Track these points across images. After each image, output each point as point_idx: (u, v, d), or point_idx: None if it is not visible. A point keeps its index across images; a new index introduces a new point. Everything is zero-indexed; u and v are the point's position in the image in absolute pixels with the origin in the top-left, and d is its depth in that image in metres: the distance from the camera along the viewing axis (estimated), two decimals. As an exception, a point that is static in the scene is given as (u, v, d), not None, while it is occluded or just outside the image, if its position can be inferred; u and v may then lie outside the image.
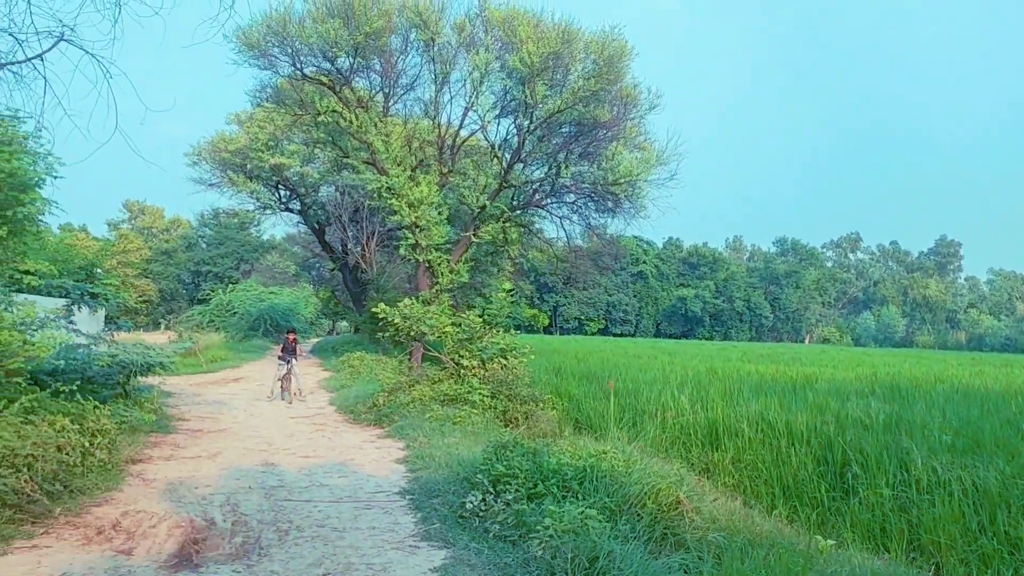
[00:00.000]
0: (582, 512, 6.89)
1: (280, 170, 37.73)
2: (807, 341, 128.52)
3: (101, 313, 19.38)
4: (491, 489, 8.16)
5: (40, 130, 8.36)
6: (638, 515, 7.91)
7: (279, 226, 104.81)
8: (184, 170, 40.49)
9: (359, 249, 39.89)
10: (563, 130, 27.96)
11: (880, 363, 35.86)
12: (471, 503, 8.00)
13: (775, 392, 17.02)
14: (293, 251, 74.82)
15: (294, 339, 21.54)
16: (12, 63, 8.16)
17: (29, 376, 8.65)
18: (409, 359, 27.00)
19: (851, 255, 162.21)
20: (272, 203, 40.71)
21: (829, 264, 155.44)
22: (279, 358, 20.98)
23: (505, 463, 8.44)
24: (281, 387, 20.42)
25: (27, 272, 9.19)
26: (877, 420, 13.03)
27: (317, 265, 71.24)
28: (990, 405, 15.01)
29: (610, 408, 14.76)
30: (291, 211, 42.95)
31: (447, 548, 7.24)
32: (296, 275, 76.28)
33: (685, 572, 6.60)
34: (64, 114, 8.85)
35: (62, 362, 9.54)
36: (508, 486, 8.06)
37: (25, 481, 7.30)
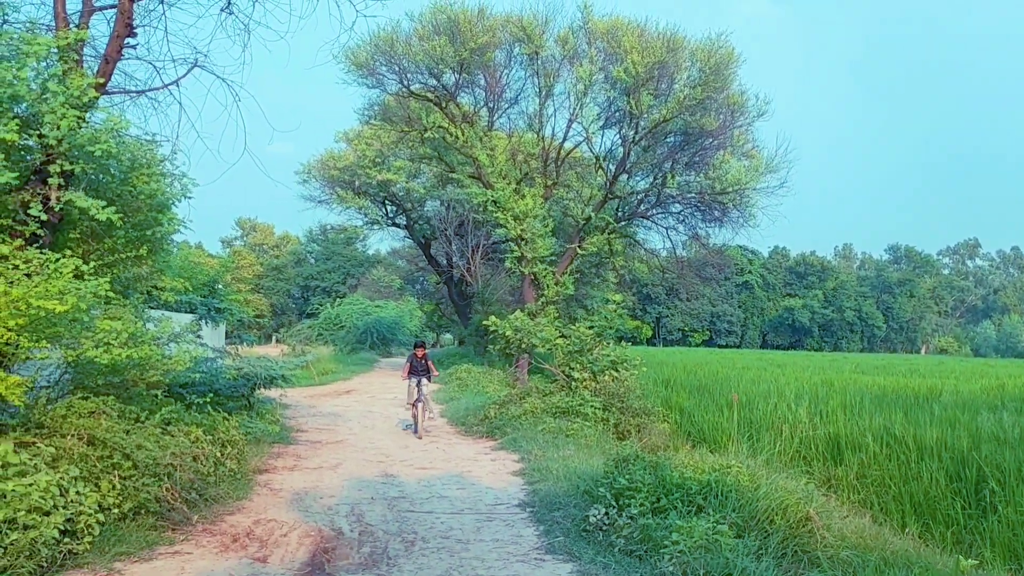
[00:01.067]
0: (713, 527, 6.76)
1: (387, 186, 38.59)
2: (923, 352, 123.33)
3: (222, 328, 20.15)
4: (614, 503, 8.08)
5: (175, 152, 8.83)
6: (766, 531, 7.69)
7: (384, 241, 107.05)
8: (295, 188, 41.89)
9: (464, 262, 40.36)
10: (668, 139, 27.72)
11: (1004, 374, 34.07)
12: (595, 516, 7.94)
13: (898, 405, 16.37)
14: (397, 265, 76.28)
15: (424, 355, 16.68)
16: (151, 89, 8.65)
17: (166, 388, 9.07)
18: (515, 371, 27.15)
19: (969, 262, 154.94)
20: (379, 218, 41.66)
21: (945, 271, 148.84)
22: (407, 378, 16.39)
23: (627, 476, 8.35)
24: (412, 416, 16.30)
25: (163, 289, 9.69)
26: (1013, 434, 12.38)
27: (421, 279, 72.40)
28: None
29: (733, 421, 14.45)
30: (397, 226, 43.84)
31: (572, 561, 7.21)
32: (401, 289, 77.66)
33: (822, 591, 6.37)
34: (197, 136, 9.33)
35: (198, 375, 9.98)
36: (632, 500, 7.97)
37: (167, 490, 7.62)
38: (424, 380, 16.19)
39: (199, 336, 11.46)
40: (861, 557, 7.73)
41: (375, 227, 43.29)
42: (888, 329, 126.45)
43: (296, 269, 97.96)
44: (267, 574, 6.66)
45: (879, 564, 7.47)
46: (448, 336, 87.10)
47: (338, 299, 71.70)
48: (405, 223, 43.30)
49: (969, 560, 7.10)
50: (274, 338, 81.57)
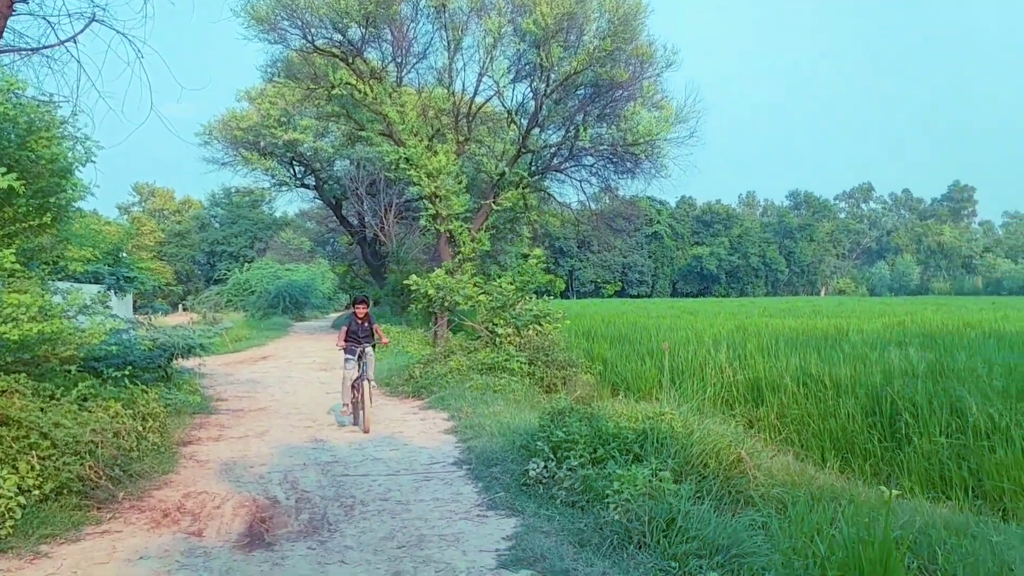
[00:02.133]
0: (654, 474, 6.85)
1: (294, 146, 37.55)
2: (823, 293, 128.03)
3: (129, 298, 19.39)
4: (552, 456, 8.12)
5: (75, 114, 8.31)
6: (702, 475, 7.87)
7: (293, 203, 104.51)
8: (195, 150, 40.37)
9: (377, 222, 39.77)
10: (580, 92, 27.67)
11: (901, 312, 35.66)
12: (534, 470, 7.96)
13: (810, 345, 16.92)
14: (307, 227, 74.86)
15: (367, 314, 12.85)
16: (46, 47, 8.08)
17: (80, 363, 8.65)
18: (435, 330, 27.02)
19: (864, 205, 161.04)
20: (287, 179, 40.57)
21: (842, 215, 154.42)
22: (344, 349, 12.60)
23: (564, 429, 8.39)
24: (351, 402, 12.33)
25: (70, 259, 9.17)
26: (920, 368, 12.94)
27: (332, 240, 71.24)
28: (1030, 349, 14.88)
29: (665, 369, 14.67)
30: (306, 187, 42.82)
31: (515, 516, 7.22)
32: (311, 251, 76.32)
33: (762, 528, 6.54)
34: (98, 96, 8.80)
35: (114, 348, 9.55)
36: (570, 452, 8.02)
37: (89, 468, 7.31)
38: (368, 349, 12.42)
39: (108, 307, 10.95)
40: (790, 494, 7.99)
41: (283, 188, 42.14)
42: (790, 273, 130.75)
43: (200, 234, 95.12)
44: (204, 548, 6.46)
45: (807, 500, 7.71)
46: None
47: (247, 264, 70.06)
48: (314, 184, 42.33)
49: (892, 491, 7.39)
50: (181, 306, 79.27)
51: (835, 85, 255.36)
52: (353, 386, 12.17)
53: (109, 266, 13.85)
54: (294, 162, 40.80)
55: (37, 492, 6.73)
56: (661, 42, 27.09)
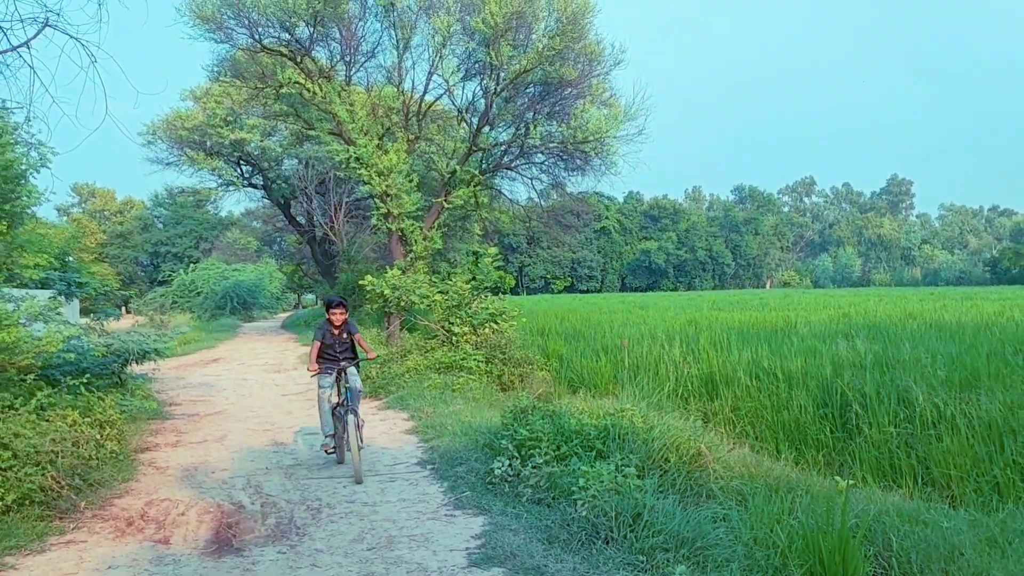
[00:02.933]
0: (618, 469, 7.00)
1: (241, 145, 37.07)
2: (768, 286, 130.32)
3: (76, 303, 19.03)
4: (516, 454, 8.23)
5: (29, 120, 8.15)
6: (663, 469, 8.05)
7: (239, 203, 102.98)
8: (137, 150, 39.61)
9: (327, 221, 39.47)
10: (529, 90, 27.78)
11: (845, 303, 36.52)
12: (499, 468, 8.06)
13: (761, 339, 17.28)
14: (253, 226, 73.87)
15: (345, 321, 9.90)
16: (-2, 52, 7.90)
17: (38, 371, 8.51)
18: (388, 330, 26.93)
19: (806, 199, 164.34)
20: (235, 179, 40.02)
21: (786, 209, 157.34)
22: (317, 373, 9.65)
23: (528, 427, 8.50)
24: (335, 432, 9.59)
25: (25, 265, 9.00)
26: (867, 360, 13.33)
27: (279, 239, 70.54)
28: (969, 339, 15.39)
29: (624, 366, 14.86)
30: (254, 187, 42.30)
31: (483, 515, 7.31)
32: (258, 251, 75.34)
33: (724, 520, 6.72)
34: (52, 102, 8.64)
35: (72, 355, 9.40)
36: (535, 449, 8.13)
37: (51, 477, 7.21)
38: (351, 370, 9.56)
39: (60, 314, 10.76)
40: (749, 486, 8.20)
41: (231, 188, 41.53)
42: (736, 266, 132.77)
43: (143, 235, 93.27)
44: (173, 555, 6.43)
45: (765, 491, 7.92)
46: (310, 297, 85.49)
47: (192, 264, 69.02)
48: (262, 183, 41.84)
49: (846, 480, 7.64)
50: (124, 309, 77.68)
51: (780, 79, 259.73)
52: (334, 414, 9.41)
53: (57, 271, 13.58)
54: (241, 161, 40.29)
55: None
56: (609, 40, 27.43)
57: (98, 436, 8.96)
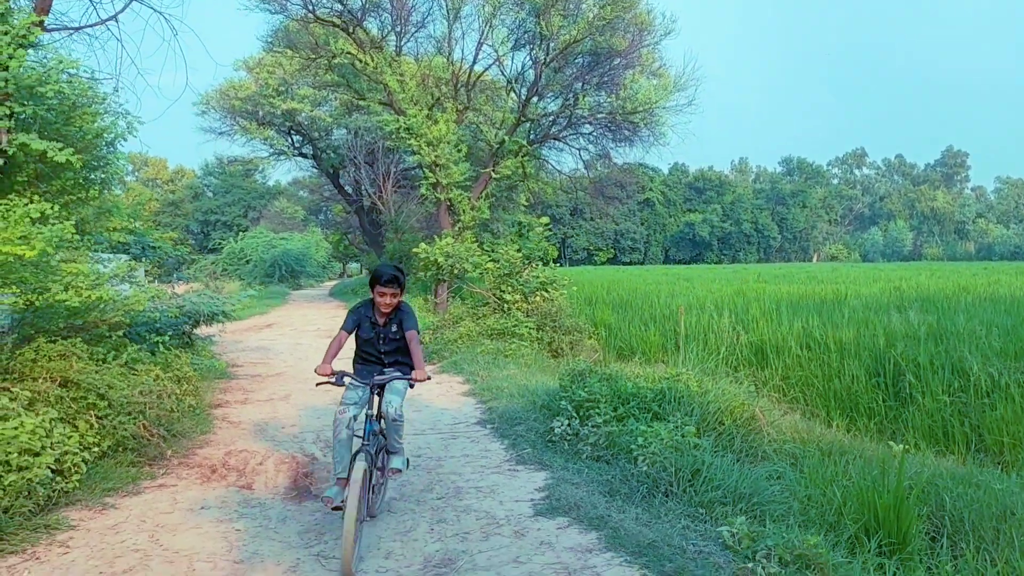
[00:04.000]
0: (677, 429, 7.28)
1: (292, 115, 37.69)
2: (815, 260, 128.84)
3: (141, 268, 19.71)
4: (575, 414, 8.55)
5: (117, 90, 8.61)
6: (718, 431, 8.32)
7: (288, 172, 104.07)
8: (189, 119, 40.50)
9: (375, 190, 39.98)
10: (578, 60, 27.84)
11: (895, 277, 36.17)
12: (559, 427, 8.39)
13: (811, 310, 17.37)
14: (300, 196, 74.78)
15: (397, 303, 6.25)
16: (89, 25, 8.34)
17: (127, 328, 9.01)
18: (435, 298, 27.37)
19: (857, 171, 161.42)
20: (286, 148, 40.75)
21: (835, 181, 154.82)
22: (338, 378, 5.95)
23: (586, 389, 8.82)
24: (348, 476, 5.52)
25: (114, 229, 9.52)
26: (921, 331, 13.40)
27: (325, 209, 71.34)
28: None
29: (681, 332, 15.07)
30: (304, 156, 43.00)
31: (545, 470, 7.65)
32: (304, 220, 76.30)
33: (778, 479, 7.00)
34: (137, 72, 9.07)
35: (156, 314, 9.92)
36: (593, 410, 8.44)
37: (143, 426, 7.69)
38: (397, 386, 6.26)
39: (136, 276, 11.27)
40: (801, 449, 8.46)
41: (281, 158, 42.35)
42: (782, 239, 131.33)
43: (194, 204, 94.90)
44: (258, 500, 6.88)
45: (818, 454, 8.18)
46: (354, 266, 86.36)
47: (241, 233, 70.11)
48: (312, 153, 42.50)
49: (899, 445, 7.85)
50: (175, 276, 79.32)
51: (828, 49, 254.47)
52: (355, 458, 5.59)
53: (132, 235, 14.15)
54: (292, 131, 40.93)
55: (96, 449, 7.12)
56: (660, 9, 27.35)
57: (178, 391, 9.44)
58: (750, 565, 5.07)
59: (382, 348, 6.33)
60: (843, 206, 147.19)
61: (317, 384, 6.14)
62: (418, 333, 6.35)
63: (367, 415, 6.06)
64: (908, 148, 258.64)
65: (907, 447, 8.97)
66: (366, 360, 6.43)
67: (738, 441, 8.17)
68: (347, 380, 6.04)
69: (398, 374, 6.12)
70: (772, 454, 8.09)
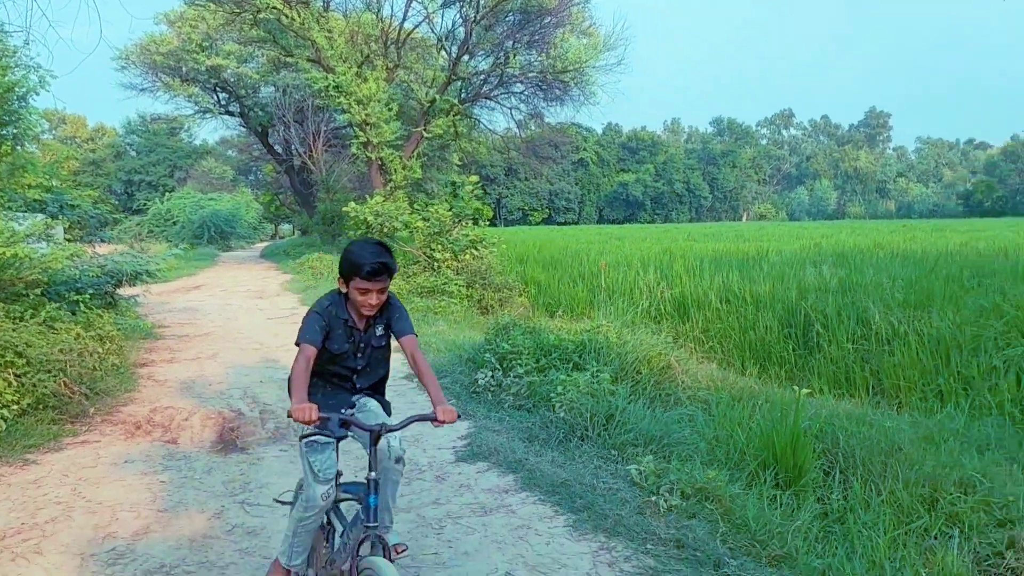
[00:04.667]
0: (594, 377, 7.59)
1: (217, 72, 36.84)
2: (745, 219, 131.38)
3: (60, 227, 19.27)
4: (499, 366, 8.80)
5: (27, 43, 8.40)
6: (635, 379, 8.65)
7: (215, 131, 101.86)
8: (108, 75, 39.24)
9: (305, 150, 39.46)
10: (509, 18, 27.86)
11: (818, 235, 37.23)
12: (483, 379, 8.65)
13: (733, 266, 17.91)
14: (228, 156, 73.25)
15: (385, 302, 3.96)
16: (-5, -24, 8.12)
17: (45, 287, 8.92)
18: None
19: (784, 132, 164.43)
20: (211, 106, 39.83)
21: (764, 142, 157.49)
22: (303, 417, 3.36)
23: (509, 341, 9.07)
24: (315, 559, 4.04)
25: (28, 186, 9.34)
26: (832, 284, 14.00)
27: (255, 169, 70.11)
28: (931, 265, 16.10)
29: (602, 285, 15.40)
30: (231, 114, 42.10)
31: (468, 419, 7.90)
32: (234, 180, 74.83)
33: (689, 422, 7.37)
34: (48, 25, 8.86)
35: (76, 272, 9.81)
36: (516, 361, 8.70)
37: (63, 384, 7.69)
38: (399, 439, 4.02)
39: (52, 234, 11.12)
40: (714, 395, 8.84)
41: (207, 116, 41.34)
42: (713, 199, 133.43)
43: (116, 163, 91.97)
44: (183, 453, 6.98)
45: (728, 399, 8.57)
46: (286, 227, 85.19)
47: (167, 193, 68.48)
48: (239, 111, 41.64)
49: (804, 389, 8.29)
50: (99, 237, 77.16)
51: (758, 10, 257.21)
52: (332, 529, 4.08)
53: (49, 192, 13.81)
54: (217, 88, 40.02)
55: (16, 407, 7.12)
56: (589, -32, 27.40)
57: (100, 350, 9.41)
58: (654, 498, 5.41)
59: (359, 364, 4.09)
60: (771, 166, 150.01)
61: (302, 437, 3.85)
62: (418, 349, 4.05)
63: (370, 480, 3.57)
64: (833, 109, 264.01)
65: (811, 391, 9.48)
66: (336, 384, 4.14)
67: (653, 388, 8.52)
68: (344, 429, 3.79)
69: (416, 416, 3.76)
70: (685, 400, 8.46)
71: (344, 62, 26.53)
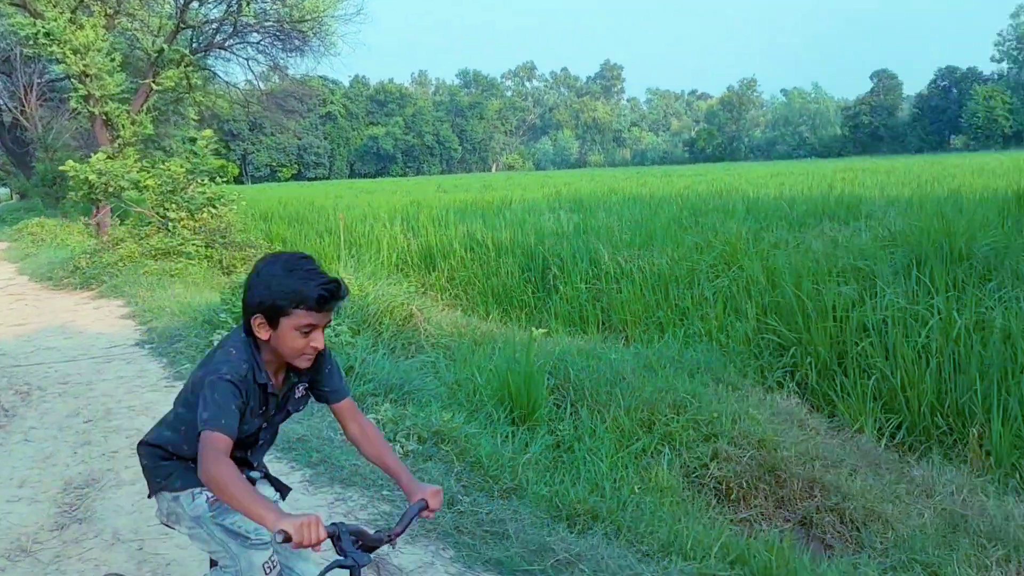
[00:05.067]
0: (333, 329, 7.54)
1: (-100, 16, 32.11)
2: (493, 169, 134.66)
3: None
4: (235, 325, 8.52)
5: None
6: (378, 330, 8.72)
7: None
8: None
9: (16, 104, 35.57)
10: (240, -37, 26.39)
11: (561, 183, 39.07)
12: (218, 339, 8.32)
13: (477, 215, 18.40)
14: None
15: (323, 355, 2.61)
16: None
17: None
18: (96, 220, 25.27)
19: (528, 84, 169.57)
20: None
21: (509, 94, 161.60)
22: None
23: (246, 299, 8.79)
24: None
25: None
26: (568, 228, 14.78)
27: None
28: (655, 208, 17.41)
29: (340, 240, 15.18)
30: (-79, 65, 36.96)
31: (203, 382, 7.61)
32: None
33: (432, 368, 7.55)
34: None
35: None
36: (252, 319, 8.45)
37: None
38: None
39: None
40: (457, 341, 9.11)
41: None
42: (463, 151, 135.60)
43: None
44: None
45: (471, 344, 8.87)
46: (3, 191, 76.95)
47: None
48: (-70, 61, 36.66)
49: (540, 330, 8.73)
50: None
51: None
52: None
53: None
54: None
55: None
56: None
57: None
58: (391, 445, 5.50)
59: (263, 438, 2.79)
60: (517, 117, 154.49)
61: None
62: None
63: None
64: (572, 61, 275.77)
65: (548, 331, 10.00)
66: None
67: (395, 338, 8.63)
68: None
69: (411, 516, 2.34)
70: (428, 347, 8.65)
71: (54, 7, 24.01)
